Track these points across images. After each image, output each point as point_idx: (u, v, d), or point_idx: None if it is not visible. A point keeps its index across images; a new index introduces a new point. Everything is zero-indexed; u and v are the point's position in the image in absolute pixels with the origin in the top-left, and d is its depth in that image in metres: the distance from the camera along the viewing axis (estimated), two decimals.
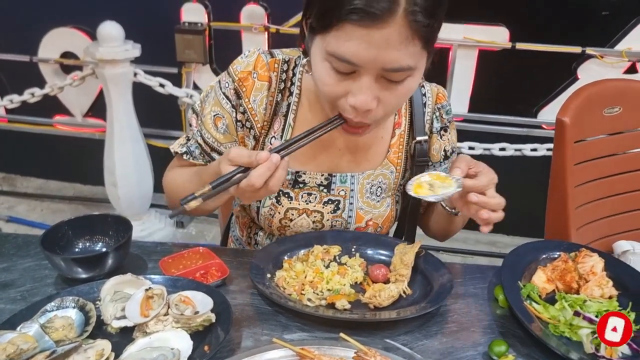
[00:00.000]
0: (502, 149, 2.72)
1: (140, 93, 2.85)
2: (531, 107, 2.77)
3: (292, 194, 1.17)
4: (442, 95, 1.23)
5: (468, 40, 2.62)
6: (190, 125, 1.21)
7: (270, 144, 1.15)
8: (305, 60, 1.13)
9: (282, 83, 1.14)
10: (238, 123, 1.15)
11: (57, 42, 3.00)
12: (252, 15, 2.78)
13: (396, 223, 1.33)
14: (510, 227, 3.16)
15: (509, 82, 2.78)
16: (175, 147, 1.22)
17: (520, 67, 2.69)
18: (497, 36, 2.60)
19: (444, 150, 1.25)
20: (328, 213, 1.19)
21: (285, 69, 1.14)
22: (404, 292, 1.03)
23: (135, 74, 2.78)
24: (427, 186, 0.99)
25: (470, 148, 2.73)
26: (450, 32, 2.63)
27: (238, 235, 1.37)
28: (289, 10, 2.71)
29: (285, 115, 1.15)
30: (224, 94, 1.14)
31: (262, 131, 1.16)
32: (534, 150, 2.70)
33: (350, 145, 1.18)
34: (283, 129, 1.15)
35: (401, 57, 0.89)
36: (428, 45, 0.92)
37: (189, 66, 2.88)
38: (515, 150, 2.71)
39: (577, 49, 2.54)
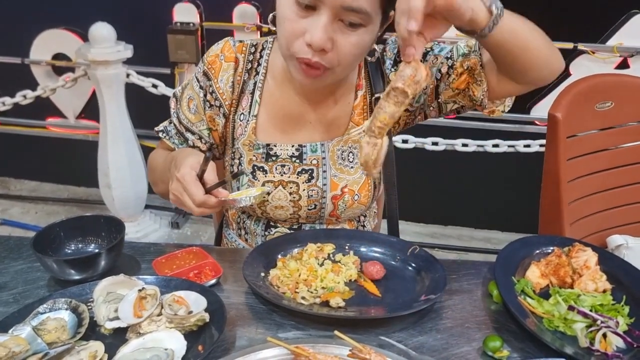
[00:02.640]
0: (496, 146, 2.72)
1: (133, 94, 2.84)
2: (524, 104, 2.77)
3: (266, 167, 1.22)
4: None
5: (460, 37, 2.61)
6: (171, 108, 1.32)
7: (240, 120, 1.23)
8: (271, 15, 1.16)
9: (250, 63, 1.23)
10: (206, 103, 1.23)
11: (48, 43, 2.98)
12: (244, 14, 2.77)
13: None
14: (505, 223, 3.17)
15: None
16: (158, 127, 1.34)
17: None
18: None
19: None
20: (303, 183, 1.22)
21: (252, 51, 1.23)
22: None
23: (127, 75, 2.77)
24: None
25: (464, 145, 2.73)
26: None
27: (230, 229, 1.39)
28: None
29: (252, 93, 1.22)
30: (195, 77, 1.25)
31: (230, 109, 1.24)
32: (527, 146, 2.70)
33: (320, 118, 1.23)
34: (250, 105, 1.22)
35: None
36: (385, 2, 0.99)
37: (181, 66, 2.85)
38: (509, 146, 2.71)
39: (569, 45, 2.54)
